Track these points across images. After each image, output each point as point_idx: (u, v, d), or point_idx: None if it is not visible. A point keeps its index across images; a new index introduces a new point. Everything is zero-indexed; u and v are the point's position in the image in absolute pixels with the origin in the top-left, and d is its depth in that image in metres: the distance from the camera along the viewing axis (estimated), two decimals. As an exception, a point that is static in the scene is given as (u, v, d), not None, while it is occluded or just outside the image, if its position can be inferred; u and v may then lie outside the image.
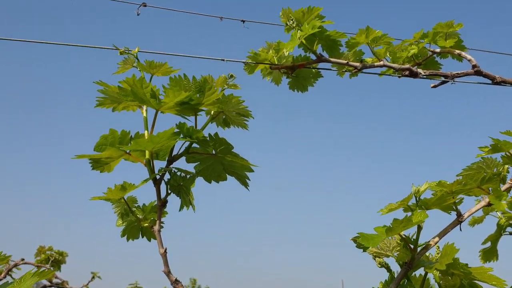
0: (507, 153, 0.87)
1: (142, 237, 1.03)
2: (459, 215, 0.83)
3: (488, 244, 1.80)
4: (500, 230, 1.77)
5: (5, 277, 3.87)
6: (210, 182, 1.07)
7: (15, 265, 3.84)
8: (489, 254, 1.80)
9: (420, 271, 0.89)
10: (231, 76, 1.05)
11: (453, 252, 0.74)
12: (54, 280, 3.86)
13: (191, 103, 0.99)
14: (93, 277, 4.15)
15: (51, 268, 3.90)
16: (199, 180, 1.05)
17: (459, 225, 0.82)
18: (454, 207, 0.83)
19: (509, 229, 1.79)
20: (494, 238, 1.77)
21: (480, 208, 0.84)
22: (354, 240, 0.77)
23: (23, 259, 3.85)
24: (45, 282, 3.85)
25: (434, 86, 1.66)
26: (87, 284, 4.02)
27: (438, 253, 0.84)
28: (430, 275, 0.92)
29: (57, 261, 4.03)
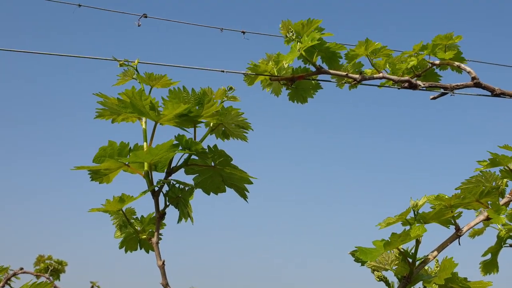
0: (506, 167, 0.87)
1: (140, 249, 1.03)
2: (458, 229, 0.83)
3: (489, 256, 1.79)
4: (501, 242, 1.77)
5: (3, 286, 3.86)
6: (209, 194, 1.07)
7: (14, 274, 3.82)
8: (490, 266, 1.79)
9: (419, 286, 0.89)
10: (231, 88, 1.05)
11: (452, 267, 0.74)
12: (53, 290, 3.84)
13: (190, 115, 0.99)
14: (92, 287, 4.13)
15: (50, 278, 3.89)
16: (198, 192, 1.05)
17: (458, 239, 0.82)
18: (452, 221, 0.82)
19: (509, 241, 1.78)
20: (495, 250, 1.76)
21: (479, 222, 0.84)
22: (352, 254, 0.77)
23: (22, 268, 3.83)
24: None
25: (434, 98, 1.66)
26: (86, 294, 4.00)
27: (437, 267, 0.84)
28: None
29: (56, 271, 4.01)
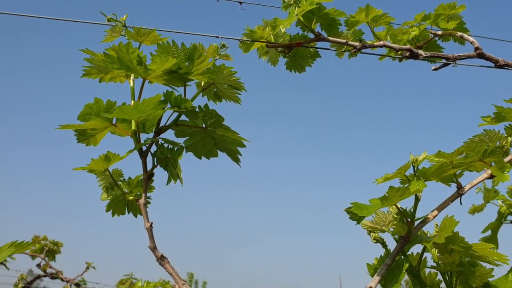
0: (511, 123, 0.82)
1: (128, 212, 0.99)
2: (460, 187, 0.78)
3: (489, 232, 1.76)
4: (501, 218, 1.73)
5: (-2, 266, 3.83)
6: (200, 158, 1.03)
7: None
8: (490, 242, 1.76)
9: (417, 249, 0.85)
10: (223, 45, 1.00)
11: (452, 225, 0.69)
12: (49, 270, 3.82)
13: (179, 71, 0.94)
14: (87, 268, 4.11)
15: (46, 258, 3.86)
16: (190, 161, 1.01)
17: (459, 198, 0.77)
18: (454, 179, 0.78)
19: (510, 217, 1.75)
20: (495, 227, 1.73)
21: (482, 180, 0.79)
22: (348, 210, 0.72)
23: (17, 248, 3.79)
24: (39, 272, 3.80)
25: (436, 69, 1.61)
26: (82, 274, 3.98)
27: (436, 231, 0.80)
28: (427, 256, 0.87)
29: (52, 251, 3.99)
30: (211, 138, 1.00)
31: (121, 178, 0.96)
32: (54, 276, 3.77)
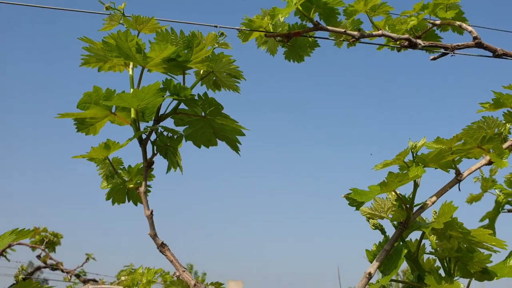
0: (510, 110, 0.83)
1: (129, 201, 0.99)
2: (458, 173, 0.79)
3: (486, 221, 1.77)
4: (498, 207, 1.74)
5: (-1, 257, 3.84)
6: (199, 147, 1.03)
7: (9, 246, 3.80)
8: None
9: (415, 236, 0.86)
10: (222, 34, 1.00)
11: (451, 210, 0.70)
12: (49, 261, 3.83)
13: (178, 59, 0.94)
14: (87, 259, 4.12)
15: (46, 250, 3.87)
16: (189, 150, 1.01)
17: (458, 184, 0.78)
18: (453, 165, 0.78)
19: (507, 206, 1.76)
20: (492, 216, 1.74)
21: (481, 167, 0.80)
22: (347, 197, 0.73)
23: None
24: (39, 263, 3.82)
25: (434, 59, 1.61)
26: (82, 265, 3.99)
27: (435, 217, 0.80)
28: (426, 243, 0.88)
29: (52, 243, 4.00)
30: (211, 126, 1.00)
31: (121, 167, 0.96)
32: (54, 268, 3.78)
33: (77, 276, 3.82)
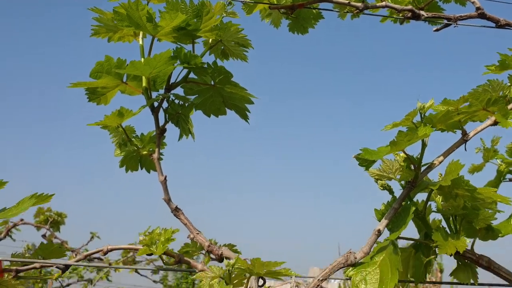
0: (516, 71, 0.85)
1: (141, 168, 1.02)
2: (464, 133, 0.81)
3: (487, 191, 1.80)
4: (500, 176, 1.77)
5: (5, 237, 3.89)
6: (209, 116, 1.05)
7: (15, 226, 3.86)
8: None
9: (422, 197, 0.88)
10: (230, 3, 1.01)
11: (458, 168, 0.72)
12: (54, 241, 3.88)
13: (188, 28, 0.96)
14: (92, 237, 4.19)
15: (51, 229, 3.93)
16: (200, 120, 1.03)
17: (464, 145, 0.80)
18: (460, 126, 0.81)
19: (508, 175, 1.78)
20: (494, 185, 1.76)
21: (486, 127, 0.82)
22: (357, 157, 0.75)
23: (22, 220, 3.86)
24: (44, 242, 3.85)
25: (437, 30, 1.62)
26: (87, 244, 4.06)
27: (441, 179, 0.83)
28: (431, 205, 0.90)
29: (56, 222, 4.05)
30: (220, 95, 1.02)
31: (134, 135, 0.98)
32: (59, 247, 3.84)
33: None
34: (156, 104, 0.94)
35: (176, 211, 0.90)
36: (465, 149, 0.80)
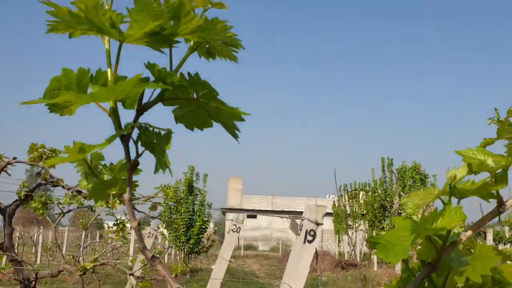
0: None
1: (114, 199, 0.87)
2: (501, 203, 0.65)
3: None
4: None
5: (-1, 174, 3.84)
6: (192, 130, 0.89)
7: (8, 163, 3.78)
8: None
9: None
10: (216, -7, 0.80)
11: (492, 260, 0.58)
12: (49, 179, 3.82)
13: (163, 33, 0.76)
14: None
15: (46, 167, 3.85)
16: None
17: (498, 216, 0.66)
18: (495, 194, 0.65)
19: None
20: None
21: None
22: (372, 244, 0.60)
23: (15, 158, 3.77)
24: (39, 180, 3.81)
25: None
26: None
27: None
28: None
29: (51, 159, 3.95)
30: (204, 110, 0.85)
31: (102, 162, 0.83)
32: (55, 184, 3.79)
33: (78, 192, 3.84)
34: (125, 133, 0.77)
35: (152, 260, 0.78)
36: (499, 219, 0.66)
